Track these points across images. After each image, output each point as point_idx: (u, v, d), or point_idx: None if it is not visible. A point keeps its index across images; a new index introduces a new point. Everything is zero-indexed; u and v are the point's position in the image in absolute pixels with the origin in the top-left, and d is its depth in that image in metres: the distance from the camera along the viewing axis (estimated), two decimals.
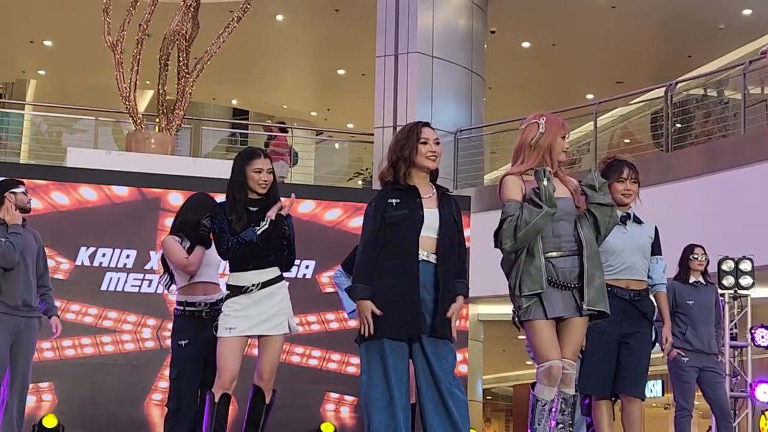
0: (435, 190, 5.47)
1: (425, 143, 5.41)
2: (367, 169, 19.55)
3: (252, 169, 6.17)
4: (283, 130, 17.42)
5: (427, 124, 5.53)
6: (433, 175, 5.51)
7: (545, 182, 5.30)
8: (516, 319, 5.39)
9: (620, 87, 19.50)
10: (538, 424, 5.35)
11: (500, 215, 5.37)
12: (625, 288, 6.34)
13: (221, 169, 10.04)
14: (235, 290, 6.14)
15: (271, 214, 6.08)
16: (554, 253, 5.35)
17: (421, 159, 5.40)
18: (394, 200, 5.36)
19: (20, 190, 7.58)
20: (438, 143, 5.47)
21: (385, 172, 5.47)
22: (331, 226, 10.72)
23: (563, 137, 5.52)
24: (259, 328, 6.13)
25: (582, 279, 5.35)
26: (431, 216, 5.36)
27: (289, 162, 16.59)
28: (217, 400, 6.11)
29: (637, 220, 6.51)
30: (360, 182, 20.00)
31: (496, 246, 5.43)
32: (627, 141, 18.69)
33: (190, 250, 6.85)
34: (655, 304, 6.56)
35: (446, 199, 5.47)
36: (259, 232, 6.04)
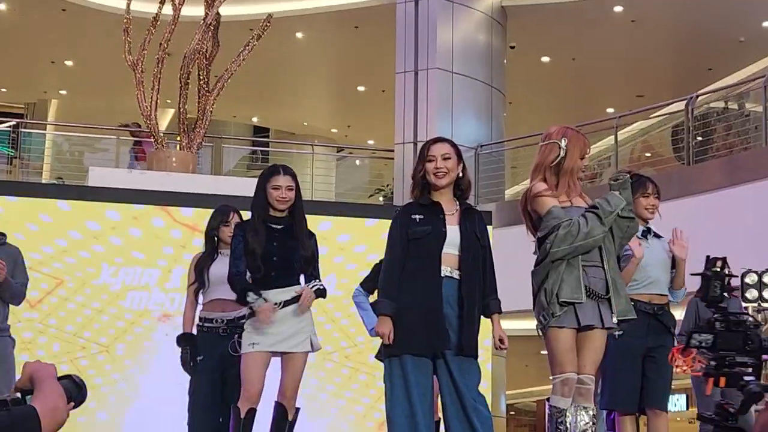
0: (458, 207, 5.45)
1: (431, 161, 5.38)
2: (388, 186, 19.56)
3: (271, 185, 6.18)
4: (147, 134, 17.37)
5: (439, 140, 5.49)
6: (460, 189, 5.46)
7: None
8: (541, 326, 5.34)
9: (641, 101, 19.45)
10: None
11: (547, 221, 5.29)
12: (648, 302, 6.36)
13: (242, 186, 10.08)
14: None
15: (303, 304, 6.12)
16: (585, 263, 5.32)
17: (430, 177, 5.39)
18: (417, 216, 5.35)
19: None
20: (447, 158, 5.37)
21: (410, 192, 5.49)
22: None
23: (583, 157, 5.47)
24: (281, 345, 6.13)
25: (608, 290, 5.32)
26: (453, 233, 5.34)
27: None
28: (243, 415, 6.11)
29: (657, 235, 6.53)
30: (381, 198, 20.01)
31: (537, 253, 5.36)
32: (648, 155, 18.65)
33: (206, 256, 7.05)
34: None
35: (469, 215, 5.43)
36: (252, 304, 6.06)
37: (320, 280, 6.27)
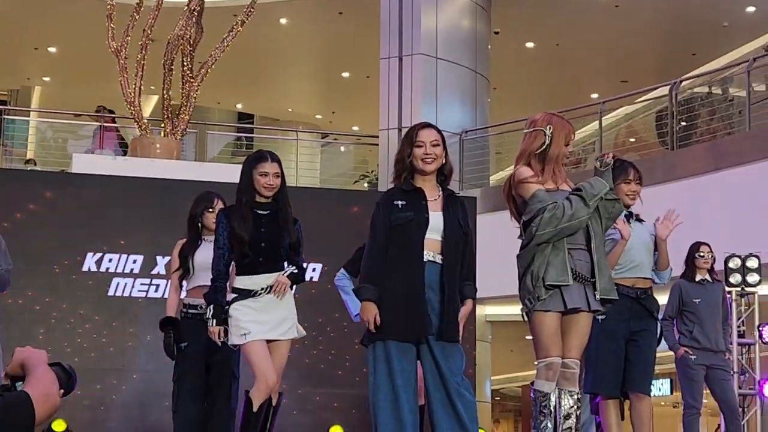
0: (441, 192, 5.45)
1: (420, 146, 5.37)
2: (372, 172, 19.55)
3: (258, 172, 6.16)
4: (113, 120, 17.36)
5: (427, 126, 5.49)
6: (443, 175, 5.46)
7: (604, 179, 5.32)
8: (527, 309, 5.32)
9: (625, 86, 19.50)
10: (541, 417, 5.33)
11: (532, 204, 5.28)
12: (632, 286, 6.38)
13: (227, 173, 10.07)
14: (242, 293, 6.12)
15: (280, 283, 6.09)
16: (571, 246, 5.32)
17: (417, 162, 5.38)
18: (399, 202, 5.35)
19: None
20: (436, 145, 5.37)
21: (393, 177, 5.48)
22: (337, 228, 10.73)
23: (568, 144, 5.46)
24: (272, 333, 6.09)
25: (594, 273, 5.32)
26: (436, 219, 5.34)
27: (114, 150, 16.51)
28: (256, 408, 6.02)
29: (639, 219, 6.56)
30: (366, 185, 20.00)
31: (523, 237, 5.35)
32: (632, 140, 18.67)
33: (190, 242, 7.02)
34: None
35: (452, 201, 5.44)
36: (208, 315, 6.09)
37: (302, 266, 6.27)
